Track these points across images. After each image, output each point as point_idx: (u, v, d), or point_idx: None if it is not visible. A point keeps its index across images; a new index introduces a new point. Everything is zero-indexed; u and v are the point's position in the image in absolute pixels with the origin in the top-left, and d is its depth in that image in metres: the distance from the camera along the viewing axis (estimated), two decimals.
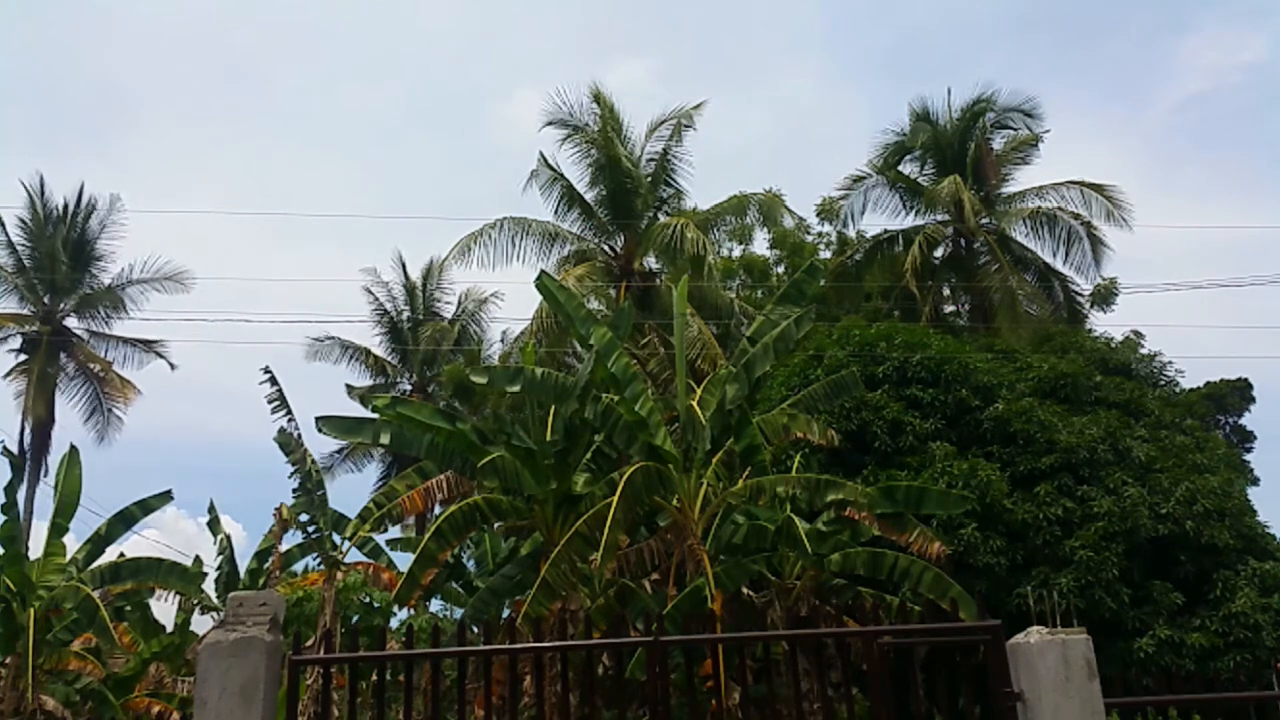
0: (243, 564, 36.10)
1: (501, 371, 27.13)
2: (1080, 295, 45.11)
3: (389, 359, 56.57)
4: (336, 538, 30.98)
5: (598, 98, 42.48)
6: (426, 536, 23.19)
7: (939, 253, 45.81)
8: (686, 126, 43.06)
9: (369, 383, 55.27)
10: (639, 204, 42.42)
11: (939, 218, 45.41)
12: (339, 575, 30.73)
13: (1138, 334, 38.81)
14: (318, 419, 24.29)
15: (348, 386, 54.21)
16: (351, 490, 53.77)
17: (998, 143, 47.13)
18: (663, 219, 42.33)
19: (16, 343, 51.94)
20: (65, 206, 53.29)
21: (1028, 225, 44.97)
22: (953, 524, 24.76)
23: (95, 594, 28.42)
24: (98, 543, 30.80)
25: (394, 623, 35.22)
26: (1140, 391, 30.06)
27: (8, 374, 51.06)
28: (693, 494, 22.20)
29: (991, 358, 30.44)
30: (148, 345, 53.85)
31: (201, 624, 34.41)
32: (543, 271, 24.57)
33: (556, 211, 43.03)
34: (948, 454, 26.50)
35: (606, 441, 24.09)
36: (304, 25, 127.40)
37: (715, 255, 44.59)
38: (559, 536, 21.88)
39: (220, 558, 35.75)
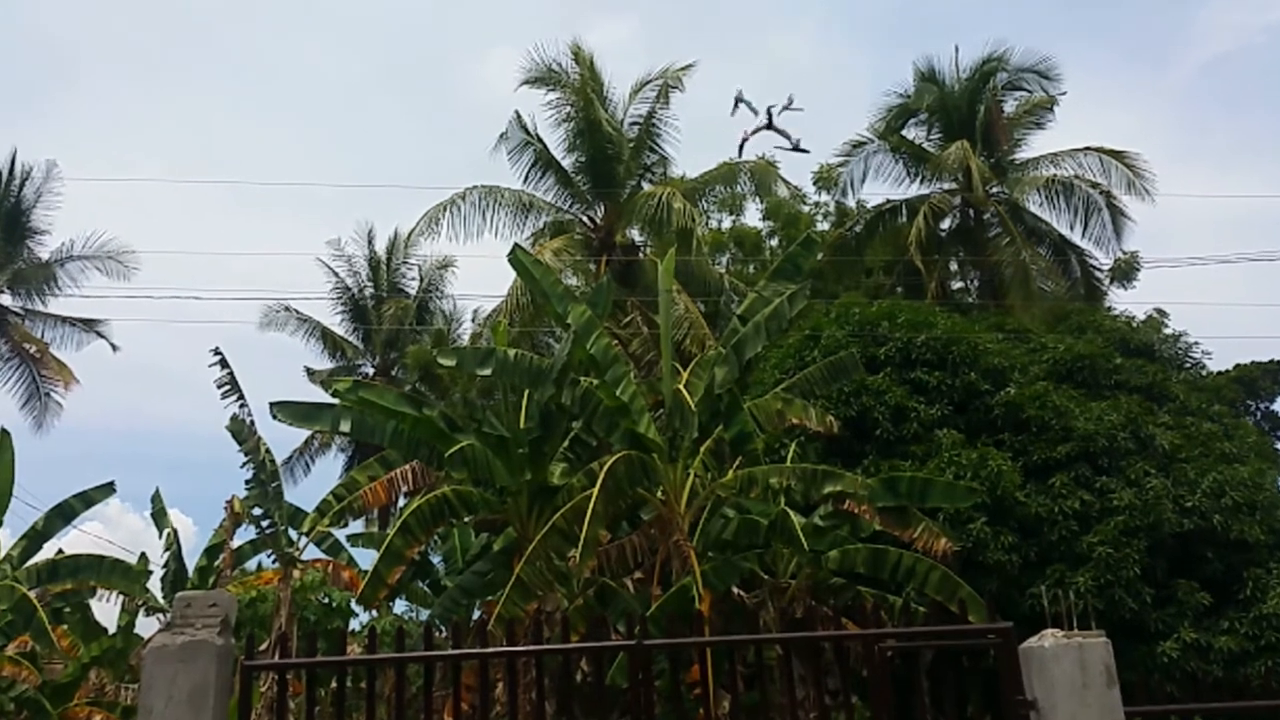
0: (191, 561, 36.10)
1: (471, 353, 27.07)
2: (1099, 270, 45.03)
3: (350, 339, 56.55)
4: (293, 533, 30.97)
5: (577, 55, 42.29)
6: (392, 531, 23.17)
7: (946, 224, 45.74)
8: (673, 88, 42.92)
9: (329, 365, 55.24)
10: (621, 171, 42.31)
11: (946, 186, 45.26)
12: (295, 573, 30.73)
13: (1161, 312, 38.52)
14: (272, 404, 24.25)
15: (307, 370, 54.26)
16: (309, 481, 53.77)
17: (1010, 105, 46.94)
18: (647, 188, 42.26)
19: None
20: None
21: (1042, 195, 44.74)
22: (961, 518, 24.75)
23: (31, 594, 28.37)
24: (34, 538, 30.75)
25: (355, 625, 35.24)
26: (1164, 375, 30.08)
27: None
28: (679, 486, 22.20)
29: (1003, 338, 30.47)
30: (88, 325, 53.55)
31: (147, 626, 34.36)
32: (516, 245, 24.55)
33: (527, 178, 42.84)
34: (955, 442, 26.51)
35: (585, 429, 24.07)
36: None
37: (703, 227, 44.64)
38: (534, 532, 21.88)
39: (167, 554, 35.71)
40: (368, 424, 24.16)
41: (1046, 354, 29.50)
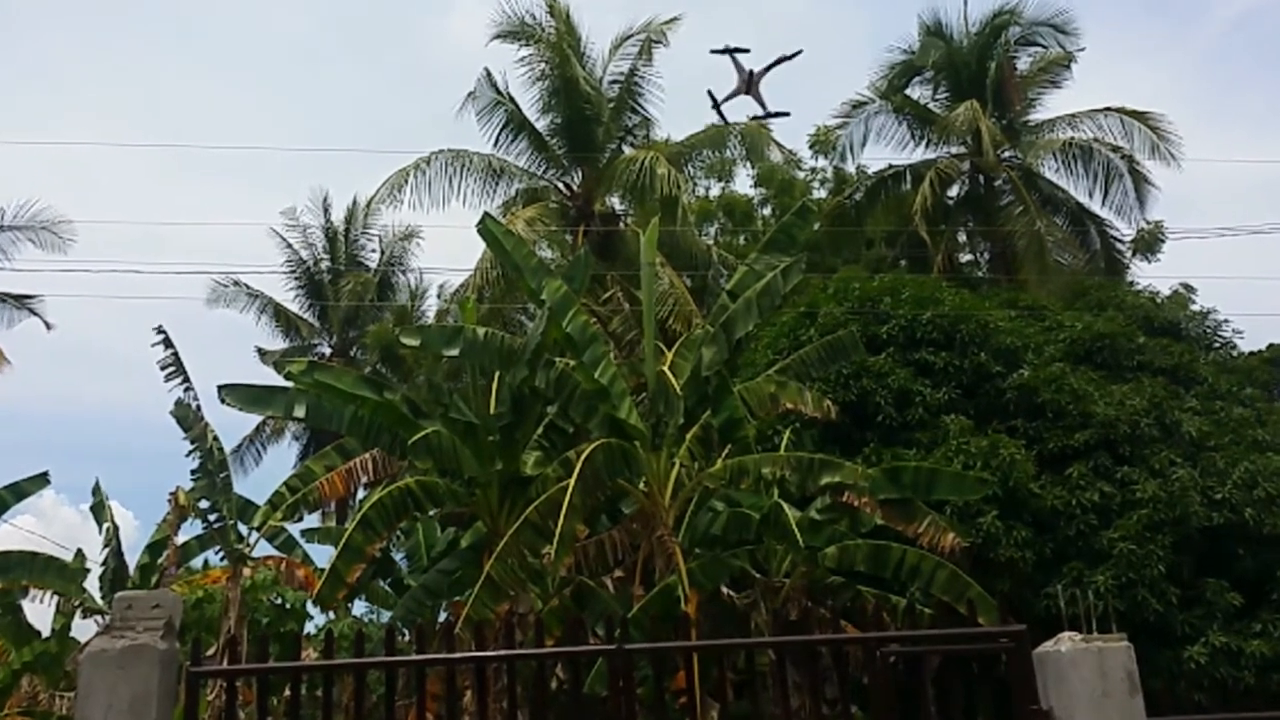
0: (132, 559, 35.94)
1: (437, 332, 27.08)
2: (1120, 242, 44.98)
3: (305, 317, 56.46)
4: (243, 528, 30.91)
5: (552, 8, 42.21)
6: (351, 526, 23.15)
7: (953, 191, 45.75)
8: (657, 43, 42.91)
9: (282, 345, 55.17)
10: (600, 134, 42.36)
11: (953, 150, 45.28)
12: (246, 572, 30.69)
13: (1188, 287, 38.30)
14: (220, 388, 24.17)
15: (259, 350, 54.17)
16: (260, 472, 53.81)
17: (1023, 62, 46.83)
18: (628, 152, 42.30)
19: None
20: None
21: (1058, 159, 44.69)
22: (970, 511, 24.68)
23: None
24: None
25: (310, 628, 35.21)
26: (1191, 355, 30.04)
27: None
28: (663, 476, 22.21)
29: (1015, 316, 30.41)
30: (19, 301, 53.28)
31: (84, 629, 34.29)
32: (486, 214, 24.53)
33: (498, 142, 42.85)
34: (964, 429, 26.43)
35: (561, 414, 24.01)
36: None
37: (690, 194, 44.59)
38: (505, 526, 21.89)
39: (106, 551, 35.60)
40: (324, 409, 24.11)
41: (1063, 333, 29.45)
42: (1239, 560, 25.24)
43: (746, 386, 23.70)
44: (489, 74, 42.05)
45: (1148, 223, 45.06)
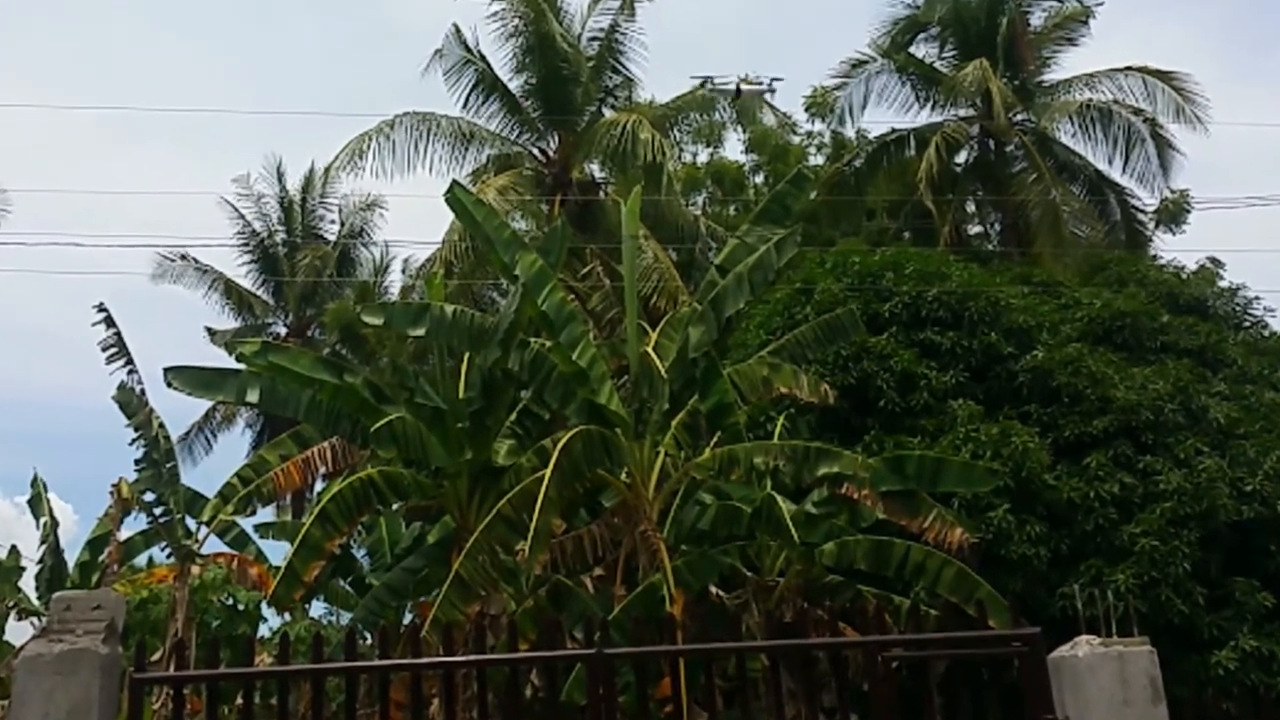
0: (72, 555, 35.99)
1: (402, 310, 27.01)
2: (1142, 212, 44.91)
3: (258, 293, 56.36)
4: (191, 522, 30.85)
5: None
6: (308, 520, 23.08)
7: (961, 158, 45.73)
8: None
9: (233, 324, 55.09)
10: (579, 95, 42.29)
11: (961, 113, 45.19)
12: (194, 570, 30.63)
13: (1215, 261, 38.35)
14: (166, 370, 24.09)
15: (209, 330, 54.10)
16: (210, 461, 53.78)
17: (1037, 17, 46.79)
18: (609, 114, 42.30)
19: None
20: None
21: (1075, 123, 44.63)
22: (979, 505, 24.59)
23: None
24: None
25: (264, 630, 35.19)
26: (1219, 335, 29.98)
27: None
28: (646, 466, 22.20)
29: (1029, 292, 30.37)
30: None
31: (19, 632, 34.32)
32: (455, 182, 24.47)
33: (468, 104, 42.76)
34: (973, 415, 26.38)
35: (536, 399, 24.02)
36: None
37: (676, 161, 44.51)
38: (475, 521, 21.86)
39: (43, 548, 35.60)
40: (279, 393, 24.04)
41: (1080, 311, 29.40)
42: (1270, 558, 25.14)
43: (737, 369, 23.69)
44: (458, 30, 42.03)
45: (1172, 191, 44.99)
